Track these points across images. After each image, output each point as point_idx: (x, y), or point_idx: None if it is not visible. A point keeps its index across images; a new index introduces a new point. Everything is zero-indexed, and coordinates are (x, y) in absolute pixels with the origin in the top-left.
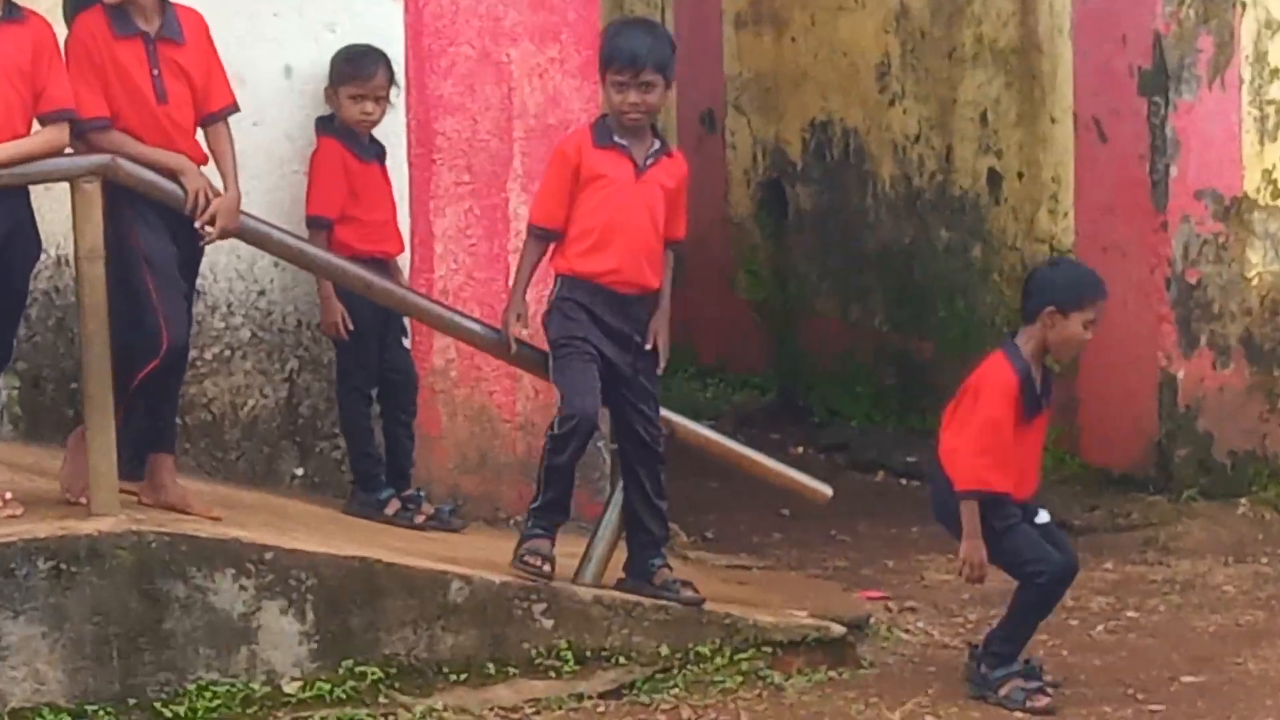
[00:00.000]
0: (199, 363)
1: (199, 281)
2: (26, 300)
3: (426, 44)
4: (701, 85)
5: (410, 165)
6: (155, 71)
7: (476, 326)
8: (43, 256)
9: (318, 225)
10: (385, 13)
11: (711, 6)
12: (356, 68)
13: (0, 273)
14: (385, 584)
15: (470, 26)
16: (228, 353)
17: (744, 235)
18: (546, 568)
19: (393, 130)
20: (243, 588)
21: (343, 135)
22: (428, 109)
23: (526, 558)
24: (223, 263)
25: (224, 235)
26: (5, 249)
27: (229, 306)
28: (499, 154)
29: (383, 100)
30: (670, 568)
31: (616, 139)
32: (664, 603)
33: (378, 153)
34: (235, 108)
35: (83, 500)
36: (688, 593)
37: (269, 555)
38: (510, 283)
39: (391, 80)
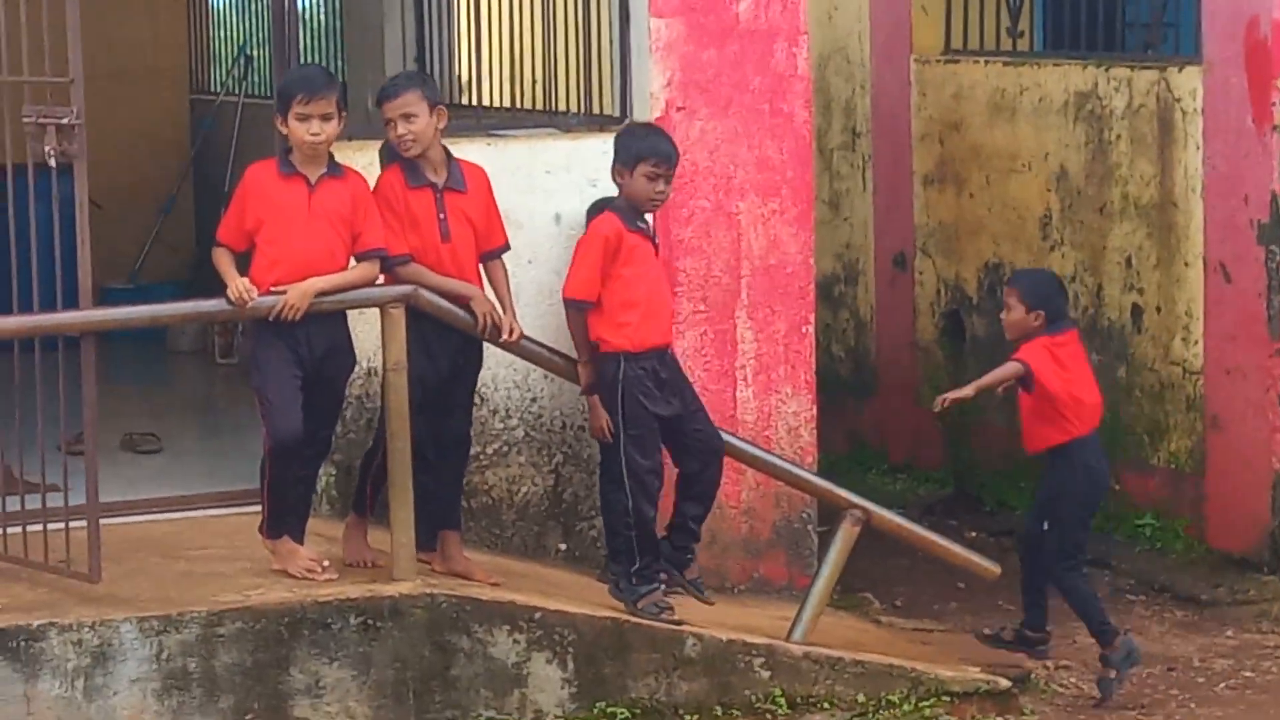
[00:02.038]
0: (481, 456)
1: (481, 389)
2: (343, 404)
3: (672, 197)
4: (895, 232)
5: None
6: (441, 215)
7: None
8: (356, 368)
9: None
10: None
11: (904, 167)
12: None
13: (322, 381)
14: (632, 640)
15: (707, 183)
16: (505, 448)
17: (928, 357)
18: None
19: None
20: (516, 641)
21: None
22: (671, 250)
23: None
24: (502, 375)
25: (519, 339)
26: (327, 361)
27: (506, 411)
28: (729, 288)
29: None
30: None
31: (639, 223)
32: (860, 657)
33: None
34: (507, 247)
35: (370, 564)
36: (706, 594)
37: (538, 615)
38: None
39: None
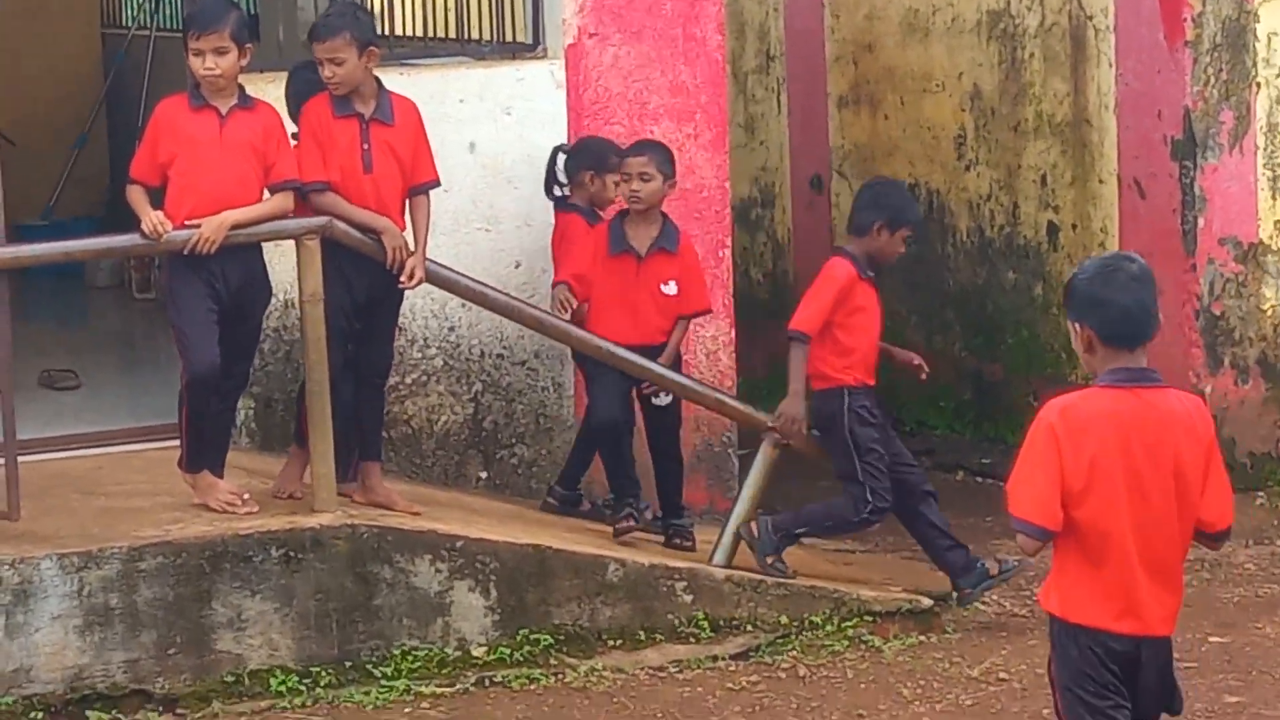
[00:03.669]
0: (400, 386)
1: (400, 320)
2: (260, 336)
3: (586, 124)
4: (810, 154)
5: None
6: (365, 146)
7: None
8: (273, 300)
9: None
10: (552, 98)
11: (818, 89)
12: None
13: (239, 314)
14: (554, 566)
15: (621, 109)
16: (424, 378)
17: None
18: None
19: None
20: (438, 570)
21: (580, 211)
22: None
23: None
24: (420, 304)
25: (417, 284)
26: (242, 294)
27: (425, 340)
28: None
29: None
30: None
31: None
32: (784, 580)
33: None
34: (437, 183)
35: (295, 496)
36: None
37: (459, 543)
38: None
39: None
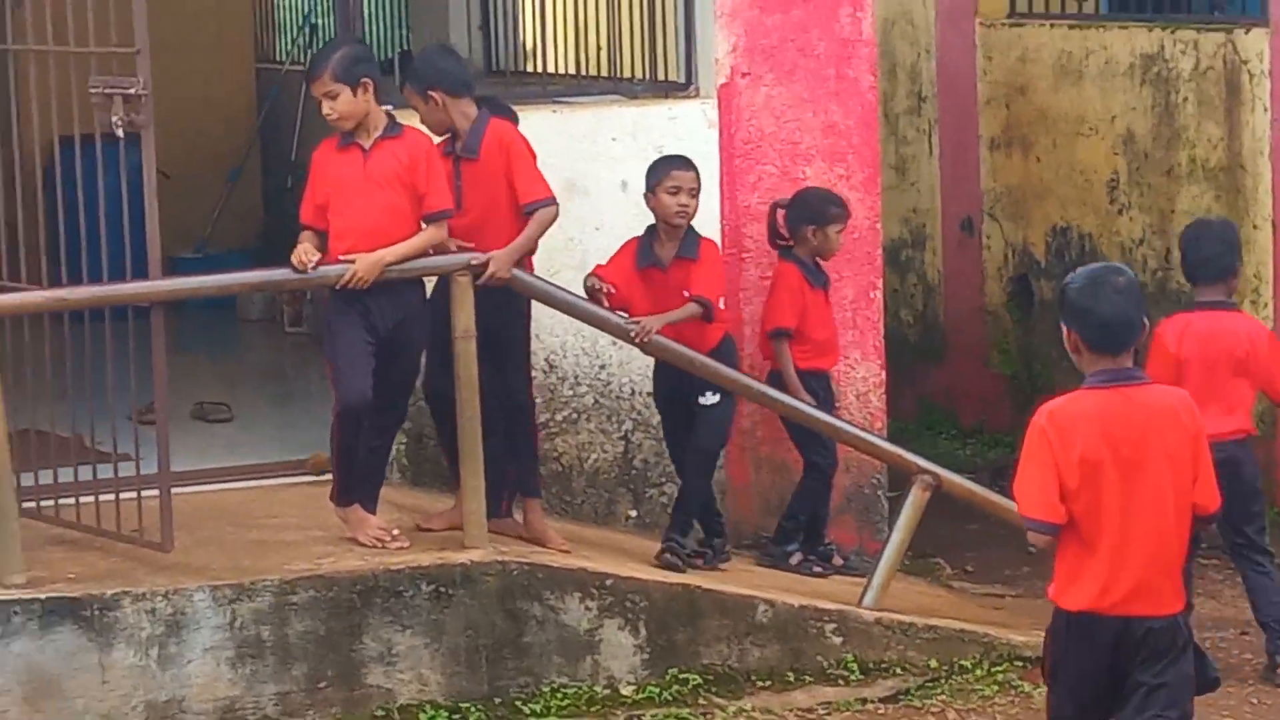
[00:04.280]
0: (551, 424)
1: (550, 356)
2: (417, 373)
3: (737, 164)
4: (961, 196)
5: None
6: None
7: (781, 396)
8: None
9: (781, 335)
10: (704, 137)
11: (970, 131)
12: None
13: (397, 351)
14: (704, 606)
15: (772, 149)
16: (575, 415)
17: (997, 321)
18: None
19: (707, 233)
20: (588, 608)
21: (800, 263)
22: (738, 216)
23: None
24: (570, 342)
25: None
26: (400, 330)
27: (575, 377)
28: None
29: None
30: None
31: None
32: (933, 623)
33: (824, 282)
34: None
35: (431, 527)
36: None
37: (610, 581)
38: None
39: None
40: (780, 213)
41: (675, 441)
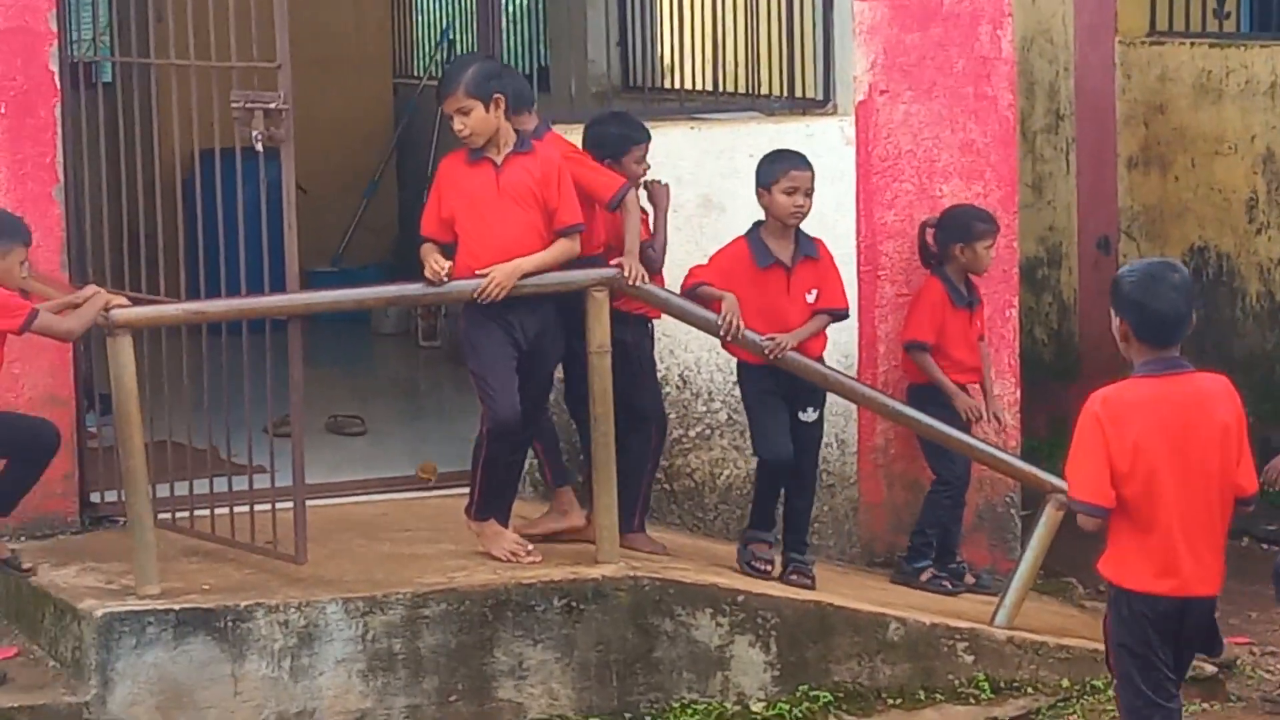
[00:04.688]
0: (684, 440)
1: (684, 372)
2: (552, 387)
3: (874, 181)
4: (1098, 215)
5: (859, 280)
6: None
7: (914, 413)
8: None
9: (918, 348)
10: (841, 155)
11: (1108, 149)
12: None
13: (535, 364)
14: (835, 623)
15: (910, 167)
16: (708, 431)
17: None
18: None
19: (844, 250)
20: (719, 624)
21: (946, 280)
22: (874, 234)
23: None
24: (705, 358)
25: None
26: (539, 343)
27: (709, 393)
28: None
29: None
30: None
31: None
32: (1065, 642)
33: (969, 303)
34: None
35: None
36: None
37: (741, 598)
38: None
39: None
40: (929, 230)
41: (773, 443)
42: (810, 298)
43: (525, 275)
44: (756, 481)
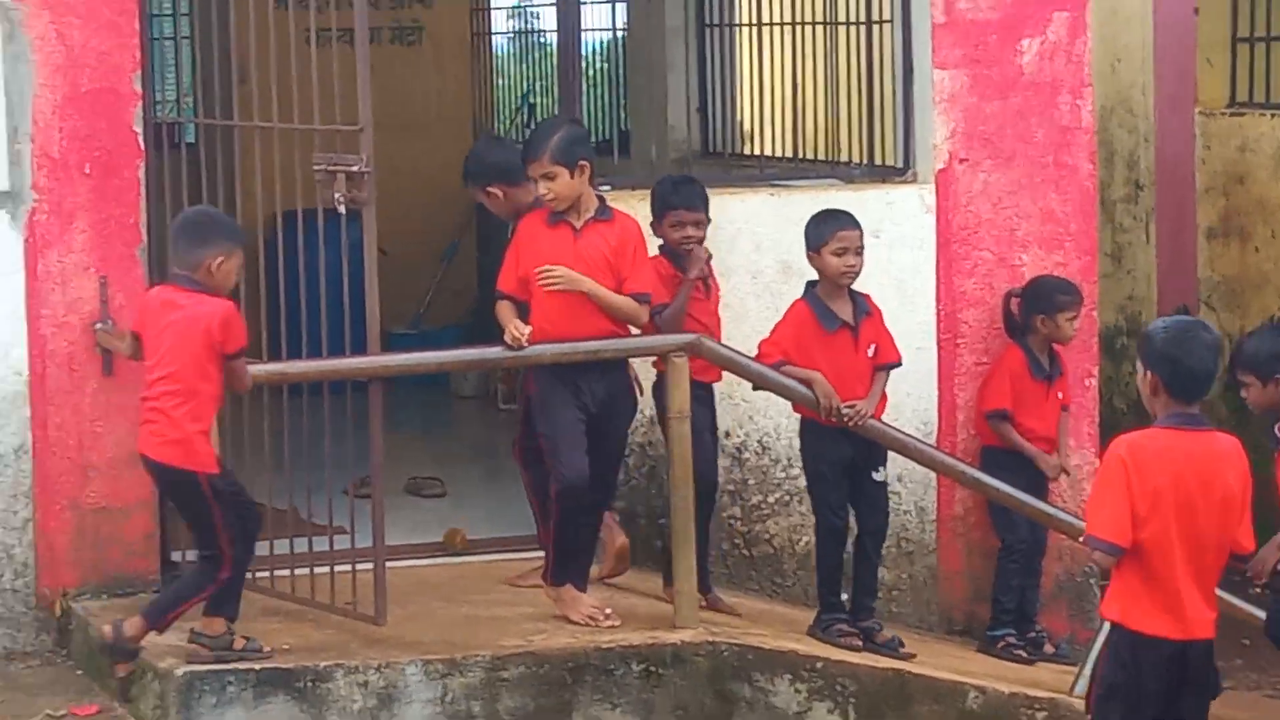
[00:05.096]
0: (763, 505)
1: (763, 437)
2: (625, 449)
3: (954, 249)
4: (1178, 284)
5: (939, 348)
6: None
7: (992, 481)
8: (637, 415)
9: (998, 417)
10: (921, 223)
11: (1188, 219)
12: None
13: (604, 426)
14: (914, 690)
15: (990, 235)
16: (786, 497)
17: (1211, 412)
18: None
19: (923, 318)
20: (797, 690)
21: (1027, 350)
22: (954, 302)
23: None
24: (784, 425)
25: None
26: (608, 406)
27: (789, 459)
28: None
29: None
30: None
31: None
32: None
33: (1049, 374)
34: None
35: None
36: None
37: (819, 664)
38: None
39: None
40: (1014, 300)
41: (836, 513)
42: (870, 353)
43: (586, 293)
44: (818, 548)
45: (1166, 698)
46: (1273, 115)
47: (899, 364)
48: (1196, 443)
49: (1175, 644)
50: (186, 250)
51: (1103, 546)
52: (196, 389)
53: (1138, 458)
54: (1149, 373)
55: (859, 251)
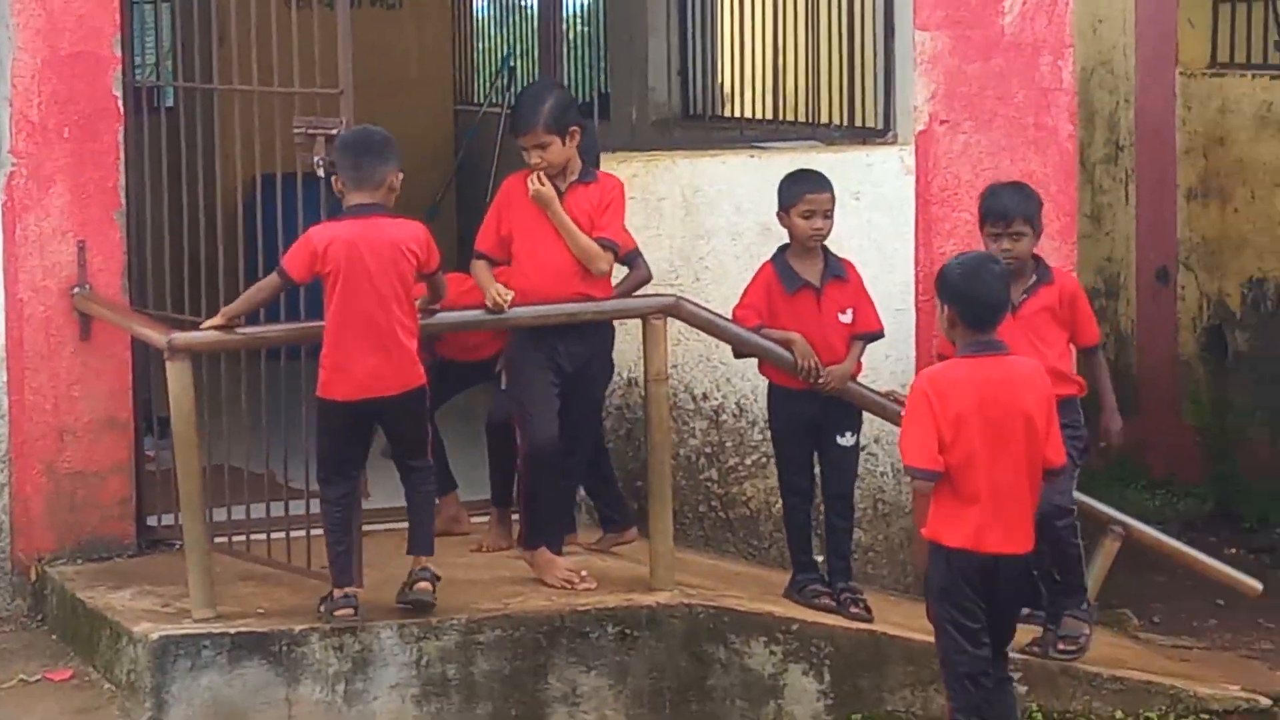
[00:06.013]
0: (740, 468)
1: (741, 400)
2: (602, 412)
3: (934, 210)
4: (1157, 246)
5: (918, 310)
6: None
7: None
8: (616, 378)
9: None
10: (900, 184)
11: (1167, 180)
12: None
13: (580, 390)
14: (889, 652)
15: (969, 196)
16: (764, 460)
17: (1190, 372)
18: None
19: (902, 278)
20: (772, 652)
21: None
22: (933, 263)
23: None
24: (762, 386)
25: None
26: (586, 370)
27: (765, 422)
28: None
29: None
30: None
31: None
32: (1119, 673)
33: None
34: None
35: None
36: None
37: (794, 626)
38: None
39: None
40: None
41: (800, 474)
42: (845, 318)
43: (565, 227)
44: (785, 509)
45: (987, 606)
46: (1253, 76)
47: (880, 334)
48: (996, 368)
49: (985, 558)
50: (371, 169)
51: (918, 474)
52: (412, 311)
53: (938, 386)
54: (946, 307)
55: (828, 214)
